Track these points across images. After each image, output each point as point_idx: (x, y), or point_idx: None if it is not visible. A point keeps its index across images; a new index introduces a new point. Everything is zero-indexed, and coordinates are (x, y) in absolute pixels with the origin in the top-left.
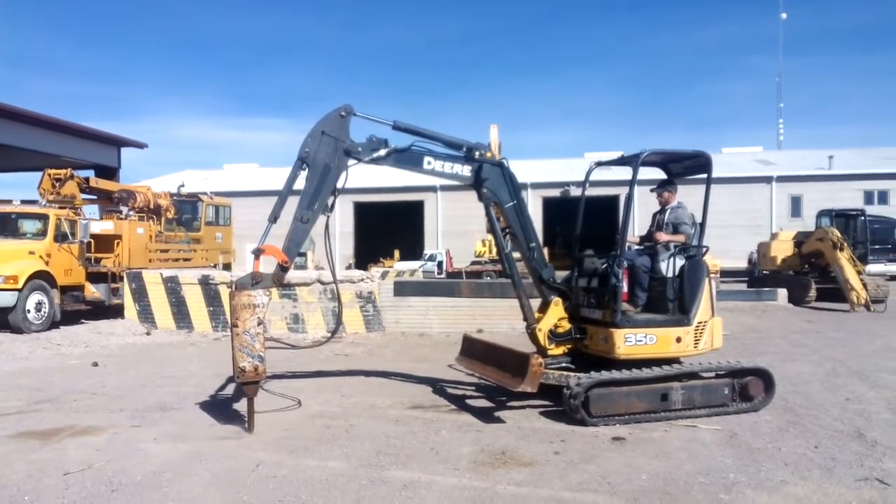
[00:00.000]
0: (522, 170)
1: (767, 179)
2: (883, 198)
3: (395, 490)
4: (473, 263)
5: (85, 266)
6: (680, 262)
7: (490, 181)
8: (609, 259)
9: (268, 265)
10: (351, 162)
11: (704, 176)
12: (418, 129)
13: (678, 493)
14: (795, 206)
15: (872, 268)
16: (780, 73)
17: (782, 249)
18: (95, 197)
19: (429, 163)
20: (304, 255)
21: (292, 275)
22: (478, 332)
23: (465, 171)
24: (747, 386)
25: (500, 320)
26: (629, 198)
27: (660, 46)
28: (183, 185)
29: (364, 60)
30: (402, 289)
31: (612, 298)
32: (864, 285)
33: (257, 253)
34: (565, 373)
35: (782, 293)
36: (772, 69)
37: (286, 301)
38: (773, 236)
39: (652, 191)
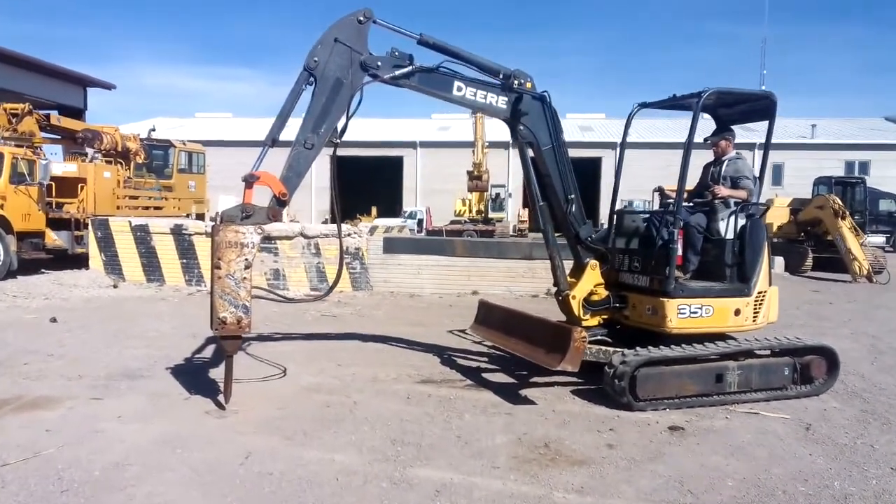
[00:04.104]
0: (501, 129)
1: (750, 147)
2: (864, 168)
3: (427, 498)
4: (453, 222)
5: (45, 211)
6: (741, 221)
7: (528, 117)
8: (655, 216)
9: (261, 197)
10: (367, 79)
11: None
12: (449, 46)
13: None
14: (776, 174)
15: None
16: (765, 39)
17: (777, 217)
18: (57, 136)
19: (458, 89)
20: None
21: (272, 227)
22: (473, 295)
23: (501, 102)
24: (809, 366)
25: (495, 282)
26: (688, 145)
27: (641, 8)
28: (154, 130)
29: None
30: (391, 245)
31: (665, 263)
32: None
33: (249, 180)
34: (603, 347)
35: (779, 261)
36: (756, 35)
37: (266, 255)
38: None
39: (706, 140)
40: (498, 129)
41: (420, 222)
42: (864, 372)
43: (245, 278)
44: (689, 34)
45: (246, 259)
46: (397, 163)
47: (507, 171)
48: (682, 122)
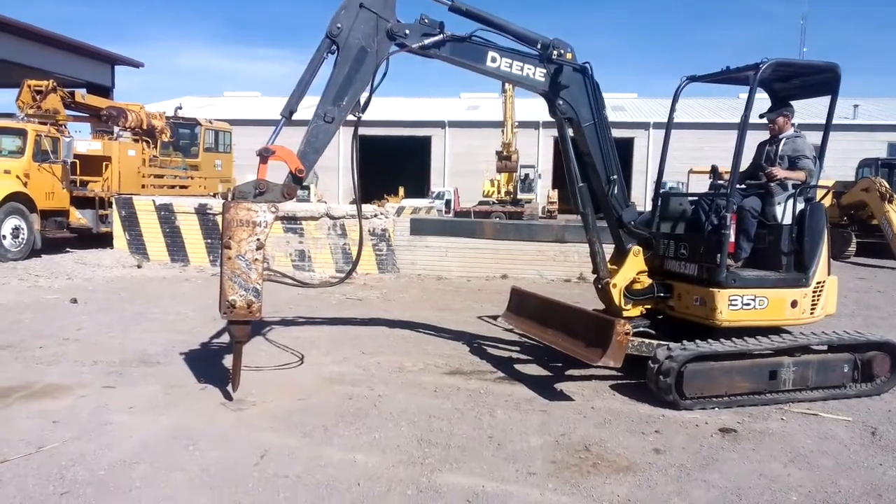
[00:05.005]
0: (531, 108)
1: (754, 128)
2: None
3: None
4: (481, 203)
5: (69, 189)
6: (799, 205)
7: (569, 90)
8: (705, 199)
9: (276, 173)
10: (393, 48)
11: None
12: (483, 13)
13: None
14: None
15: None
16: (805, 17)
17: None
18: (82, 114)
19: (493, 59)
20: (307, 188)
21: (297, 207)
22: (502, 279)
23: (538, 74)
24: (871, 363)
25: (526, 266)
26: (744, 122)
27: None
28: (181, 108)
29: None
30: (419, 227)
31: (716, 250)
32: None
33: (265, 155)
34: (646, 340)
35: None
36: (795, 13)
37: (291, 236)
38: None
39: (762, 116)
40: (528, 109)
41: (448, 203)
42: None
43: (257, 259)
44: (724, 11)
45: (258, 239)
46: (425, 142)
47: (537, 152)
48: (716, 101)
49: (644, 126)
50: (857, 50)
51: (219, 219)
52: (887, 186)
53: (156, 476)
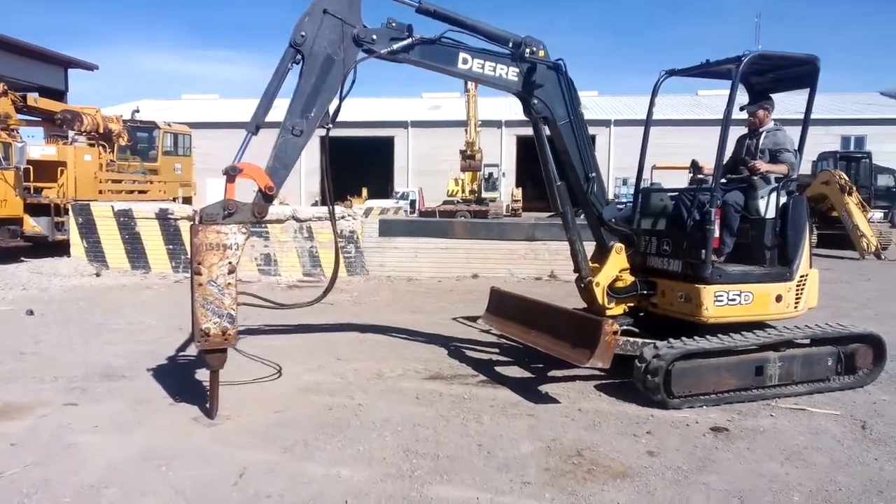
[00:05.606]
0: (494, 107)
1: (735, 123)
2: (860, 143)
3: None
4: (446, 203)
5: (23, 196)
6: (782, 198)
7: (543, 89)
8: (686, 195)
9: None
10: (361, 55)
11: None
12: (451, 13)
13: None
14: None
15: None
16: (759, 14)
17: None
18: (35, 118)
19: (464, 61)
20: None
21: None
22: (473, 278)
23: (511, 74)
24: (854, 355)
25: (496, 265)
26: (726, 117)
27: None
28: (138, 111)
29: None
30: (388, 228)
31: (701, 246)
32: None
33: (231, 173)
34: (631, 339)
35: None
36: (750, 11)
37: (256, 239)
38: None
39: (742, 109)
40: (490, 108)
41: (413, 203)
42: None
43: (230, 284)
44: (681, 10)
45: (230, 262)
46: (388, 143)
47: (500, 151)
48: (677, 98)
49: (605, 123)
50: (809, 47)
51: (180, 224)
52: (847, 179)
53: (127, 501)
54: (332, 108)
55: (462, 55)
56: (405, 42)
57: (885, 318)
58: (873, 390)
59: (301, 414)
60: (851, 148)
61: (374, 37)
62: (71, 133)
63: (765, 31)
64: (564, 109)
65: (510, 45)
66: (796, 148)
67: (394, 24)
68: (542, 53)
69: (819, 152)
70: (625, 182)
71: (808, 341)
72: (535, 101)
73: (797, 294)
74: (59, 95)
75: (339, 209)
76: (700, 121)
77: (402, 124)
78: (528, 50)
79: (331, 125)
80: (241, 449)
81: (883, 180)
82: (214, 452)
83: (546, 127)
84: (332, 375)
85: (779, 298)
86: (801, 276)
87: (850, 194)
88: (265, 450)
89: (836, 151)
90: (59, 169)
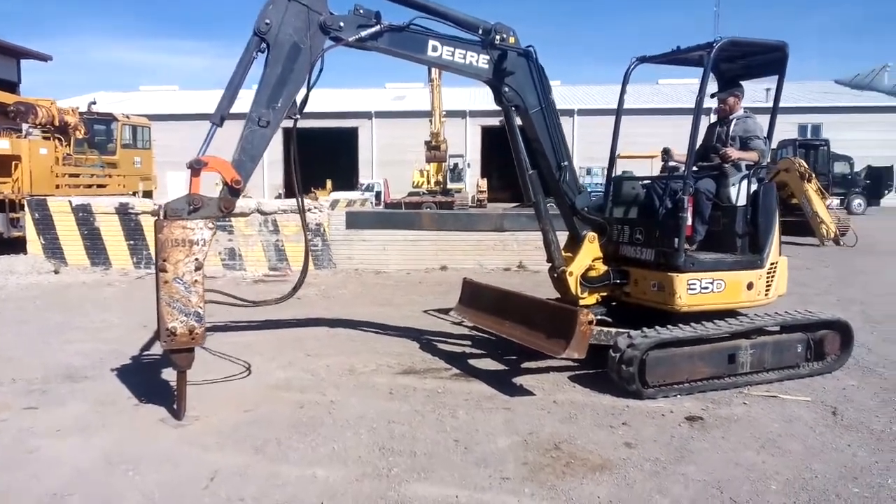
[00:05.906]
0: (458, 97)
1: (706, 111)
2: (816, 131)
3: None
4: (411, 194)
5: None
6: (752, 186)
7: (514, 77)
8: (658, 183)
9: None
10: (328, 43)
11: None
12: (420, 0)
13: None
14: None
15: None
16: (718, 3)
17: None
18: None
19: (434, 48)
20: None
21: None
22: (442, 270)
23: (482, 61)
24: (822, 342)
25: (465, 256)
26: (699, 104)
27: None
28: (94, 103)
29: None
30: (355, 220)
31: (674, 234)
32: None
33: (196, 167)
34: (604, 328)
35: None
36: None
37: (220, 234)
38: None
39: (713, 96)
40: (455, 98)
41: (378, 195)
42: (867, 343)
43: (196, 281)
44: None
45: (196, 259)
46: (352, 134)
47: (465, 141)
48: (636, 87)
49: (569, 113)
50: (766, 35)
51: (141, 218)
52: (806, 166)
53: None
54: (299, 98)
55: (432, 42)
56: (373, 29)
57: (846, 304)
58: (841, 376)
59: (272, 412)
60: (808, 136)
61: (342, 24)
62: (25, 126)
63: (724, 18)
64: (536, 97)
65: (480, 31)
66: (765, 135)
67: (361, 11)
68: (512, 40)
69: (779, 140)
70: (588, 171)
71: (777, 328)
72: (507, 90)
73: (768, 281)
74: (12, 87)
75: (306, 201)
76: (662, 110)
77: (366, 115)
78: (498, 37)
79: (298, 115)
80: (211, 450)
81: (839, 167)
82: (183, 455)
83: (518, 116)
84: (303, 372)
85: (750, 286)
86: (772, 264)
87: (809, 181)
88: (236, 451)
89: (795, 139)
90: (14, 163)
